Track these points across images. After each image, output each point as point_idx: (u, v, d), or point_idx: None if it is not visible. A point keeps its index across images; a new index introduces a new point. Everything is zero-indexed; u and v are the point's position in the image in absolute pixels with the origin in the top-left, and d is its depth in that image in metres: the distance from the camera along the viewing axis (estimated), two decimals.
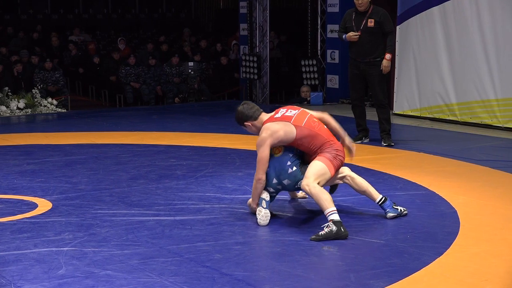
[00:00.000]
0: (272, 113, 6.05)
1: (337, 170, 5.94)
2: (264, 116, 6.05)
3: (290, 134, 5.86)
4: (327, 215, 5.52)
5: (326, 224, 5.50)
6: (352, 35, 9.44)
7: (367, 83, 9.79)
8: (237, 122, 6.20)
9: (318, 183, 5.70)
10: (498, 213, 6.31)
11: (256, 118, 6.05)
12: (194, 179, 7.61)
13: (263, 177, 5.92)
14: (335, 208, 5.57)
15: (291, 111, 6.01)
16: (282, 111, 6.03)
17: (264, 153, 5.86)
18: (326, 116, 6.15)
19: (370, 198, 6.11)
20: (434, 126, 11.56)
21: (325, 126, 6.04)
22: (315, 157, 5.85)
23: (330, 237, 5.43)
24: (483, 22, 11.13)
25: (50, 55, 17.29)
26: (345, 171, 6.09)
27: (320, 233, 5.47)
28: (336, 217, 5.51)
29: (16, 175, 7.88)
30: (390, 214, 6.05)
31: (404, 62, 12.51)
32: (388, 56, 9.42)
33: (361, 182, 6.11)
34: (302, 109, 6.09)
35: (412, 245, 5.35)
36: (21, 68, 15.00)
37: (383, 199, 6.06)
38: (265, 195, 5.94)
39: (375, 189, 6.14)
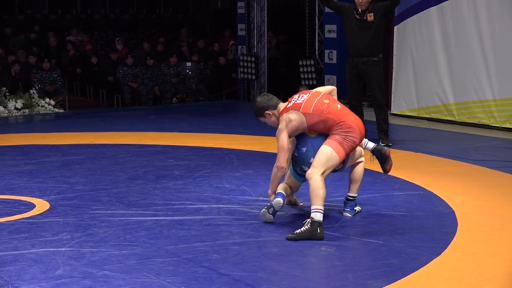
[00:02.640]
0: (287, 103, 6.03)
1: (350, 151, 5.84)
2: (281, 105, 6.04)
3: (302, 124, 5.86)
4: (311, 211, 5.53)
5: (306, 221, 5.53)
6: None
7: (365, 83, 9.81)
8: (257, 113, 6.13)
9: (323, 173, 5.67)
10: (495, 213, 6.32)
11: (275, 107, 6.04)
12: (192, 180, 7.61)
13: (284, 164, 5.91)
14: (322, 208, 5.55)
15: (302, 96, 5.96)
16: (294, 98, 6.00)
17: (283, 142, 5.85)
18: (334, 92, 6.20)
19: (349, 189, 6.17)
20: (432, 126, 11.56)
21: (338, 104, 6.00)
22: (326, 140, 5.83)
23: (305, 237, 5.44)
24: (480, 22, 11.14)
25: (48, 55, 17.26)
26: (362, 158, 6.17)
27: (296, 231, 5.49)
28: (317, 216, 5.50)
29: (13, 175, 7.87)
30: (347, 214, 6.15)
31: (402, 62, 12.52)
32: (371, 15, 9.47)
33: (358, 172, 6.17)
34: (313, 91, 6.05)
35: (409, 245, 5.35)
36: (18, 68, 14.97)
37: (353, 198, 6.13)
38: (277, 202, 5.85)
39: (371, 188, 6.16)
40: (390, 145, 9.44)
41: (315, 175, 5.63)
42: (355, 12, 9.50)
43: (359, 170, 6.15)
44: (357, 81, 9.69)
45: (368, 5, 9.45)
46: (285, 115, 5.89)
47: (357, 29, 9.49)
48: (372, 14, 9.41)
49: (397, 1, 9.53)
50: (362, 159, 6.17)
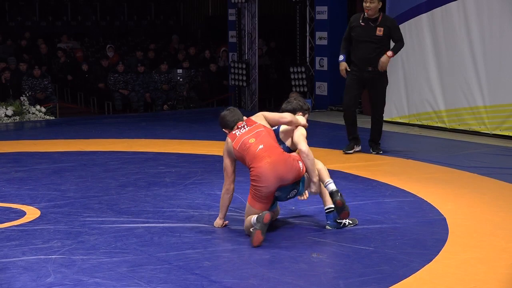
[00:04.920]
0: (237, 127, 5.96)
1: (262, 198, 5.69)
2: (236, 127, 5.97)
3: (232, 155, 5.90)
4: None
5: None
6: (344, 71, 9.27)
7: (363, 91, 9.68)
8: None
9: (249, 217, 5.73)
10: (486, 220, 6.33)
11: (231, 129, 5.97)
12: (183, 187, 7.61)
13: (228, 187, 5.96)
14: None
15: (244, 127, 5.87)
16: (240, 126, 5.90)
17: (224, 163, 5.95)
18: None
19: (324, 203, 6.04)
20: (422, 133, 11.59)
21: (266, 140, 5.76)
22: None
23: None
24: (471, 29, 11.17)
25: (39, 62, 17.24)
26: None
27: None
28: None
29: (4, 182, 7.85)
30: (328, 227, 5.98)
31: (393, 69, 12.52)
32: (390, 53, 9.12)
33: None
34: (254, 124, 5.88)
35: (401, 252, 5.36)
36: (9, 75, 14.95)
37: (331, 210, 5.98)
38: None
39: (363, 195, 6.14)
40: (381, 153, 9.44)
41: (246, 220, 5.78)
42: (361, 21, 9.15)
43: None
44: (357, 88, 9.36)
45: (377, 12, 9.09)
46: (227, 138, 5.92)
47: (364, 37, 9.15)
48: (382, 29, 9.06)
49: (402, 44, 9.33)
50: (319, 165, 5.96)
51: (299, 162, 5.78)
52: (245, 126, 5.90)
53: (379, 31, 9.08)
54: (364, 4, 9.08)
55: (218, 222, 6.06)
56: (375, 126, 9.54)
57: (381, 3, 9.12)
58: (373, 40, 9.10)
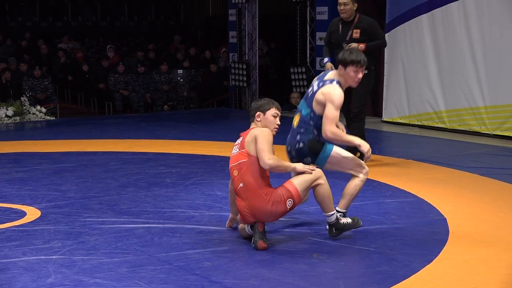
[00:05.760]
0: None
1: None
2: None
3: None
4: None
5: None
6: (329, 66, 8.49)
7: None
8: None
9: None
10: (486, 220, 6.33)
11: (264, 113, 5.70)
12: (183, 187, 7.61)
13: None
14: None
15: (237, 146, 5.68)
16: (240, 138, 5.71)
17: None
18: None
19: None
20: (423, 133, 11.59)
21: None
22: None
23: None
24: (471, 30, 11.18)
25: (39, 62, 17.25)
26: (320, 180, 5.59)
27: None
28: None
29: (4, 183, 7.85)
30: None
31: (393, 70, 12.55)
32: (362, 46, 8.48)
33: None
34: (241, 150, 5.57)
35: (401, 252, 5.36)
36: (9, 75, 14.96)
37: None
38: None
39: (363, 196, 6.14)
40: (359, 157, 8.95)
41: None
42: (339, 25, 8.82)
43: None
44: (347, 94, 8.95)
45: (352, 14, 8.72)
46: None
47: (342, 41, 8.72)
48: (358, 31, 8.66)
49: (384, 45, 9.01)
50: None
51: (286, 201, 5.42)
52: (237, 147, 5.66)
53: (356, 33, 8.69)
54: (338, 7, 8.75)
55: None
56: (353, 130, 8.72)
57: (356, 5, 8.74)
58: (350, 43, 8.61)
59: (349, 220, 5.68)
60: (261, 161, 5.42)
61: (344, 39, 8.70)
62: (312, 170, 5.52)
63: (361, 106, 8.83)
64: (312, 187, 5.53)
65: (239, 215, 5.63)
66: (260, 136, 5.49)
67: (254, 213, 5.45)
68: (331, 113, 5.65)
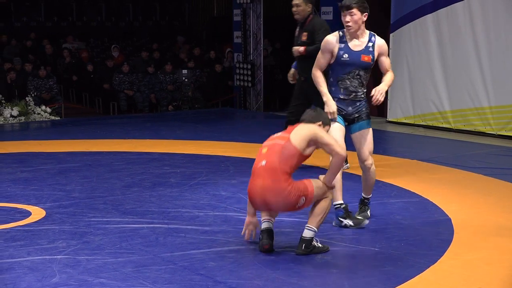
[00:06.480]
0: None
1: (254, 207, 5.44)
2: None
3: None
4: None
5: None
6: (296, 49, 8.33)
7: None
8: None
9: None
10: (491, 221, 6.32)
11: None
12: (188, 187, 7.61)
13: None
14: (265, 217, 5.48)
15: (274, 137, 5.48)
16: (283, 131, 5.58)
17: None
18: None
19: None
20: (427, 133, 11.58)
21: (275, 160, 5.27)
22: None
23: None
24: (476, 30, 11.17)
25: (44, 62, 17.27)
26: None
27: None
28: (262, 225, 5.47)
29: (9, 183, 7.86)
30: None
31: (398, 70, 12.53)
32: (302, 49, 8.21)
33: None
34: (283, 135, 5.40)
35: (406, 253, 5.36)
36: (14, 76, 14.99)
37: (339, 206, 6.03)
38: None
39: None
40: None
41: None
42: (298, 26, 8.47)
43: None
44: (301, 99, 8.45)
45: (305, 15, 8.33)
46: None
47: (296, 45, 8.43)
48: (306, 34, 8.27)
49: (315, 48, 7.69)
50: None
51: (301, 197, 5.25)
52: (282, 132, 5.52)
53: (304, 36, 8.32)
54: (292, 9, 8.42)
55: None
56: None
57: (310, 5, 8.35)
58: (300, 46, 8.30)
59: (320, 245, 5.41)
60: (335, 152, 5.33)
61: (297, 43, 8.41)
62: (330, 187, 5.46)
63: (288, 111, 8.62)
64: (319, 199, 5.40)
65: (248, 199, 5.42)
66: (318, 132, 5.36)
67: (264, 194, 5.23)
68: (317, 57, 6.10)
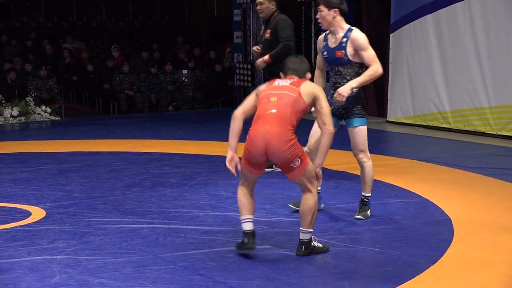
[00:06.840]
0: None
1: (253, 162, 5.31)
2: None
3: (258, 91, 5.47)
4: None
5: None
6: (255, 49, 8.45)
7: None
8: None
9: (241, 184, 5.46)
10: (491, 221, 6.32)
11: (284, 75, 5.54)
12: (188, 187, 7.61)
13: (236, 113, 5.47)
14: (246, 217, 5.34)
15: (286, 81, 5.39)
16: (289, 78, 5.45)
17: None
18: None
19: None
20: (427, 133, 11.58)
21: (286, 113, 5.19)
22: None
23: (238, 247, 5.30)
24: (476, 30, 11.16)
25: (44, 62, 17.27)
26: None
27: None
28: (245, 226, 5.30)
29: (9, 183, 7.86)
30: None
31: (398, 70, 12.54)
32: (266, 57, 8.15)
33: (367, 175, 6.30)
34: (294, 87, 5.30)
35: (406, 253, 5.36)
36: (14, 76, 14.99)
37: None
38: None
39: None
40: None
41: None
42: (263, 25, 8.49)
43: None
44: None
45: (269, 13, 8.30)
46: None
47: (260, 41, 8.43)
48: (269, 31, 8.25)
49: (287, 47, 8.10)
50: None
51: (298, 159, 5.15)
52: (287, 81, 5.37)
53: (267, 34, 8.29)
54: (256, 7, 8.44)
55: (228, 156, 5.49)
56: None
57: (273, 3, 8.30)
58: (264, 45, 8.34)
59: (320, 244, 5.41)
60: (326, 125, 5.25)
61: (261, 40, 8.43)
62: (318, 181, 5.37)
63: None
64: (305, 189, 5.30)
65: (247, 140, 5.30)
66: (321, 96, 5.31)
67: (270, 139, 5.12)
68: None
